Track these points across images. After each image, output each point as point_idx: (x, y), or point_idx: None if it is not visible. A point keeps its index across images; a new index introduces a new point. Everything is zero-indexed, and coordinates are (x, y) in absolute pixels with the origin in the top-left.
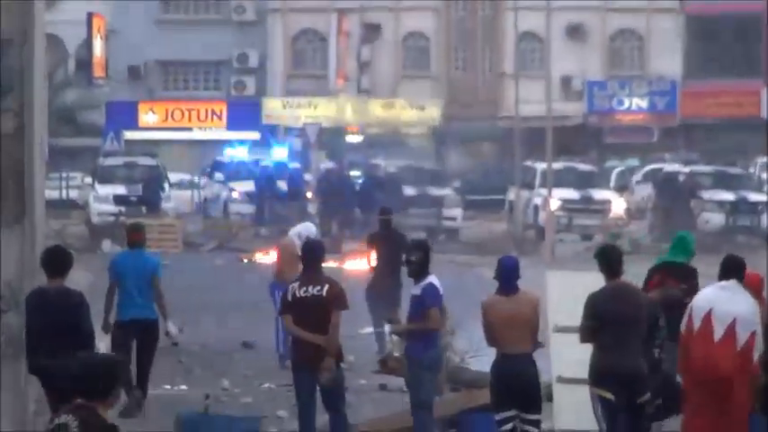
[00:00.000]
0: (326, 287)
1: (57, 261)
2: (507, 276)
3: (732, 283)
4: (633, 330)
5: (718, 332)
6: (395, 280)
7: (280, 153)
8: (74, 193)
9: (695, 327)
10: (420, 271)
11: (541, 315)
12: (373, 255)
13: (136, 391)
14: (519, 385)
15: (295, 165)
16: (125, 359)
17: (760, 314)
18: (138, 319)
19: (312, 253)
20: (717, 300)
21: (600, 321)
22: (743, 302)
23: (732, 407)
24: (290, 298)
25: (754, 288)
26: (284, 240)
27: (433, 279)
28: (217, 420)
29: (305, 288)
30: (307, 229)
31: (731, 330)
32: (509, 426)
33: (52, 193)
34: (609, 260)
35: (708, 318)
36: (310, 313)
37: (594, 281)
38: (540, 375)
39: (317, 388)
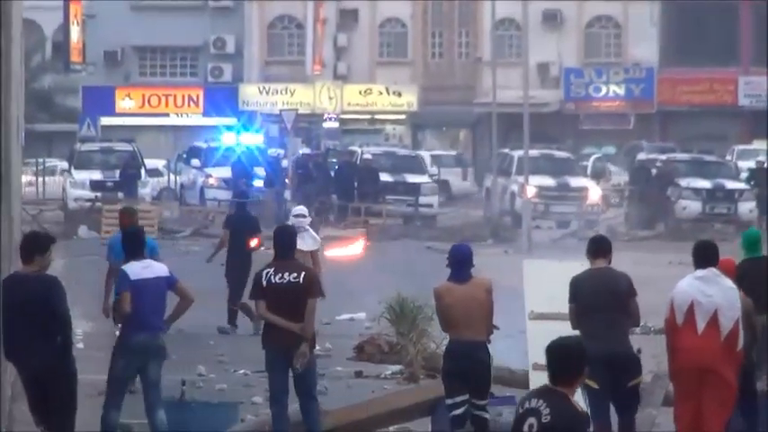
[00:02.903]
0: (303, 274)
1: (36, 247)
2: (460, 264)
3: (709, 271)
4: (613, 314)
5: (701, 325)
6: (245, 259)
7: (254, 139)
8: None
9: (678, 321)
10: (129, 256)
11: (518, 303)
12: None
13: None
14: (471, 371)
15: (275, 151)
16: None
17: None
18: None
19: (285, 239)
20: (697, 292)
21: (580, 304)
22: (723, 291)
23: (719, 392)
24: (264, 284)
25: (731, 274)
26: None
27: (128, 265)
28: (194, 407)
29: (280, 274)
30: (294, 211)
31: (714, 321)
32: (461, 410)
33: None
34: (597, 244)
35: (690, 311)
36: (286, 300)
37: (570, 269)
38: (490, 363)
39: (291, 373)
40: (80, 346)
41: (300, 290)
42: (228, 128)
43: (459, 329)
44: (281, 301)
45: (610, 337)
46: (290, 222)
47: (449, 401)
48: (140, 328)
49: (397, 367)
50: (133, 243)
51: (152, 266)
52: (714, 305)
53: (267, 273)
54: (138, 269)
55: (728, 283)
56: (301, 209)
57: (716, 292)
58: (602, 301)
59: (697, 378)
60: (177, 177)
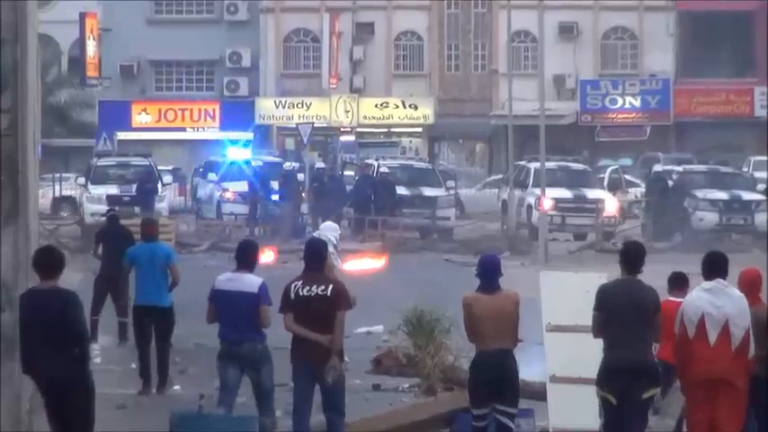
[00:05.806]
0: (331, 287)
1: (49, 262)
2: (489, 274)
3: (717, 282)
4: (637, 326)
5: (713, 336)
6: (114, 272)
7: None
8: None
9: (690, 334)
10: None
11: (535, 315)
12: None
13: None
14: (497, 378)
15: (291, 164)
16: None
17: (756, 311)
18: (151, 306)
19: (315, 252)
20: (707, 304)
21: (606, 313)
22: (733, 301)
23: (731, 400)
24: (292, 296)
25: (752, 284)
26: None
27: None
28: (212, 420)
29: (308, 287)
30: (325, 229)
31: (725, 332)
32: (483, 423)
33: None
34: (627, 255)
35: (701, 324)
36: (314, 312)
37: (587, 280)
38: (518, 372)
39: (317, 387)
40: (97, 360)
41: (328, 302)
42: (233, 142)
43: (486, 340)
44: (309, 314)
45: (632, 348)
46: (316, 234)
47: (474, 412)
48: (222, 336)
49: (414, 380)
50: (239, 253)
51: (239, 280)
52: (725, 315)
53: (295, 285)
54: (223, 280)
55: (736, 292)
56: (324, 229)
57: (725, 302)
58: (627, 313)
59: (710, 388)
60: (194, 190)
